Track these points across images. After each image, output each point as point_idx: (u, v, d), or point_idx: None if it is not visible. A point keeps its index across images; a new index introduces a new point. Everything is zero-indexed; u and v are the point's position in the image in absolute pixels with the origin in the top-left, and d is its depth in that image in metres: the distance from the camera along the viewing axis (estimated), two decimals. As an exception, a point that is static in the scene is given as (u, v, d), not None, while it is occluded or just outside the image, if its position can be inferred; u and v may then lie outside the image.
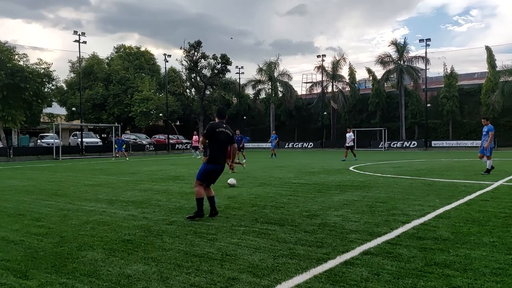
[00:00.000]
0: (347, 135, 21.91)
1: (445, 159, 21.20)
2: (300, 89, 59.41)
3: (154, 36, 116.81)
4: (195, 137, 28.74)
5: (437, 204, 7.15)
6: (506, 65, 39.73)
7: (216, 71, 51.20)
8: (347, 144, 21.71)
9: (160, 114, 47.86)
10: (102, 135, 54.13)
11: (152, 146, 41.49)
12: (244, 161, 18.33)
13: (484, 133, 12.81)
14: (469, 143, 38.70)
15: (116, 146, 28.47)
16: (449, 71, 43.77)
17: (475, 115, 43.19)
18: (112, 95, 48.53)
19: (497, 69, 40.65)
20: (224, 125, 6.43)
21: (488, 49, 41.62)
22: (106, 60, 53.61)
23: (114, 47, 55.97)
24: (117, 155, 28.73)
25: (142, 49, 55.29)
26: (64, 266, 4.09)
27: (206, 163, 6.40)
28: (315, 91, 51.22)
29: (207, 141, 6.40)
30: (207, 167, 6.35)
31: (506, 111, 39.42)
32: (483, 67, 44.64)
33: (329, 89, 50.04)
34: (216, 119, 6.55)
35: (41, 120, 44.02)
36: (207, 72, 51.75)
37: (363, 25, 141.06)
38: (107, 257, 4.34)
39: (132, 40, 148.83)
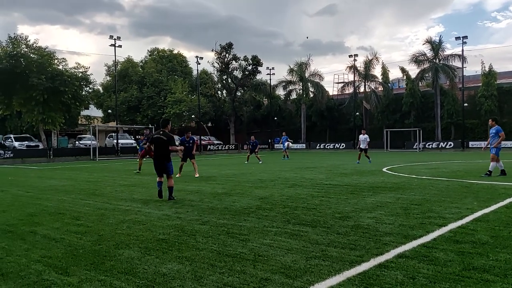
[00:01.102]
0: (362, 137, 20.08)
1: (483, 161, 20.38)
2: (332, 89, 58.89)
3: (186, 39, 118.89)
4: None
5: (475, 207, 6.91)
6: (550, 61, 37.86)
7: (247, 73, 51.51)
8: (361, 147, 19.93)
9: (192, 116, 48.63)
10: (137, 137, 55.55)
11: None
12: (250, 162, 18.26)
13: (492, 134, 12.17)
14: (508, 143, 37.05)
15: (138, 147, 28.29)
16: (487, 69, 42.11)
17: (515, 114, 41.35)
18: (146, 97, 49.72)
19: (540, 66, 38.77)
20: (161, 132, 8.61)
21: (530, 45, 39.77)
22: (140, 63, 55.05)
23: (147, 50, 57.70)
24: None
25: (175, 51, 56.39)
26: (102, 263, 4.24)
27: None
28: (347, 91, 50.53)
29: (152, 146, 8.87)
30: (154, 163, 8.79)
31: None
32: (525, 64, 42.73)
33: (361, 89, 49.23)
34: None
35: (79, 122, 45.72)
36: (238, 73, 52.20)
37: (396, 23, 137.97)
38: (143, 256, 4.46)
39: (164, 43, 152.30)
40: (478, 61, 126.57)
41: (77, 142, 43.35)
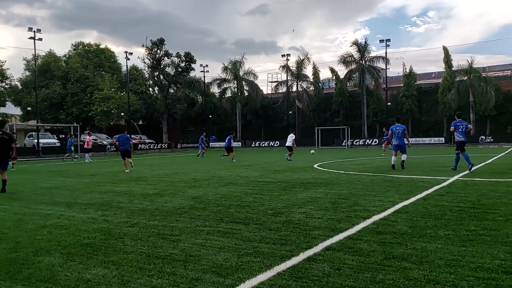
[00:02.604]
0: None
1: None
2: (266, 88, 59.88)
3: (114, 34, 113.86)
4: (88, 138, 25.81)
5: (397, 200, 7.39)
6: (461, 65, 41.71)
7: (180, 70, 50.62)
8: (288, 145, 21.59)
9: (122, 114, 46.74)
10: (60, 136, 52.19)
11: (113, 146, 40.32)
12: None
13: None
14: (427, 140, 40.26)
15: (72, 148, 26.76)
16: (408, 71, 45.39)
17: (432, 113, 45.00)
18: (70, 94, 46.94)
19: (453, 68, 42.51)
20: (1, 132, 9.59)
21: (445, 49, 43.46)
22: (64, 58, 51.67)
23: (72, 44, 54.31)
24: (76, 156, 27.69)
25: (102, 46, 53.70)
26: (19, 272, 3.92)
27: None
28: (280, 90, 51.72)
29: None
30: None
31: (461, 109, 41.16)
32: (440, 67, 46.65)
33: (294, 88, 50.63)
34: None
35: (-6, 120, 41.85)
36: (170, 70, 51.13)
37: (326, 25, 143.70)
38: (65, 262, 4.19)
39: (90, 38, 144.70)
40: (400, 63, 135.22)
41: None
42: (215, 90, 56.07)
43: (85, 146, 25.59)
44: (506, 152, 22.53)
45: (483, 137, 38.22)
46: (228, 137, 22.35)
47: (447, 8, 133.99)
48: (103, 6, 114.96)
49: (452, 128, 12.88)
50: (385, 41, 42.24)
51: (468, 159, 12.08)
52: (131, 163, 16.12)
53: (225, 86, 53.30)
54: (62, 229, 5.75)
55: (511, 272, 3.57)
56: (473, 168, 12.08)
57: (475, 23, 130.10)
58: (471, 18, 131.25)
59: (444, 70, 43.93)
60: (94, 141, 41.54)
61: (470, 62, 40.75)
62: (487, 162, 14.77)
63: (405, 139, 13.43)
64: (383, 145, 25.94)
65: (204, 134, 29.23)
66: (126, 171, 15.34)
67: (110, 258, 4.27)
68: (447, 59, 43.20)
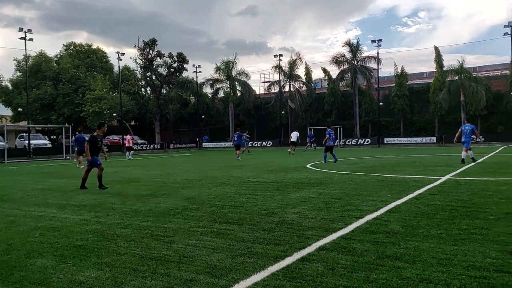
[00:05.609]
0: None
1: (397, 156, 22.08)
2: (258, 89, 59.90)
3: (104, 35, 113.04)
4: (128, 137, 27.35)
5: (389, 199, 7.44)
6: (452, 65, 41.95)
7: (172, 70, 50.37)
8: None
9: (114, 114, 46.45)
10: (52, 137, 51.72)
11: (106, 147, 40.04)
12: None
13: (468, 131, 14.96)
14: (418, 139, 40.53)
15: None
16: (399, 71, 45.66)
17: (424, 113, 45.31)
18: (62, 95, 46.52)
19: (444, 68, 42.84)
20: None
21: (436, 49, 43.80)
22: (55, 58, 51.20)
23: (63, 44, 53.77)
24: (68, 157, 27.48)
25: (94, 46, 53.33)
26: (11, 275, 3.89)
27: None
28: (273, 91, 51.74)
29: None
30: None
31: (452, 109, 41.61)
32: (431, 67, 46.99)
33: (287, 89, 50.68)
34: None
35: (-16, 121, 41.43)
36: (163, 70, 50.82)
37: (317, 25, 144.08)
38: (58, 264, 4.17)
39: (80, 38, 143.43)
40: (391, 63, 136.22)
41: (-18, 144, 39.29)
42: (207, 90, 55.95)
43: (127, 145, 27.12)
44: (497, 151, 22.77)
45: (474, 136, 38.48)
46: (237, 134, 23.19)
47: (438, 8, 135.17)
48: (92, 7, 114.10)
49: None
50: (377, 41, 42.45)
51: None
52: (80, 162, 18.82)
53: (217, 86, 53.18)
54: (55, 231, 5.71)
55: (502, 270, 3.62)
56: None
57: (465, 23, 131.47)
58: (461, 18, 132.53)
59: (435, 70, 44.25)
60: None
61: (460, 62, 41.05)
62: (478, 161, 14.91)
63: (474, 136, 15.13)
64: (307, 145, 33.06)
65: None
66: (82, 166, 17.31)
67: (103, 260, 4.25)
68: (438, 59, 43.52)
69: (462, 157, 14.80)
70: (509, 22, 38.34)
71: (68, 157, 27.70)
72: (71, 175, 15.02)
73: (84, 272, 3.90)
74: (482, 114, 40.42)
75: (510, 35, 37.91)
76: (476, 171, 12.05)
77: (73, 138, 27.32)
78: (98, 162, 10.57)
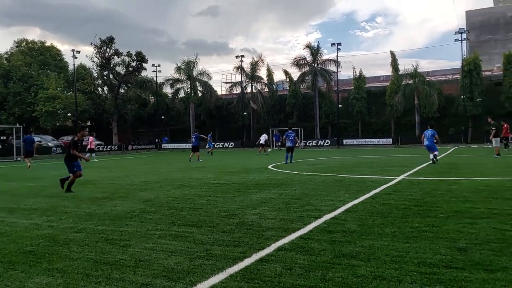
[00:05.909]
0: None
1: (355, 156, 22.70)
2: (220, 89, 59.50)
3: (58, 31, 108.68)
4: (91, 138, 26.27)
5: (347, 199, 7.62)
6: (407, 69, 43.70)
7: (131, 69, 49.16)
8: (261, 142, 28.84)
9: (69, 114, 44.72)
10: (1, 137, 48.97)
11: (59, 148, 38.34)
12: None
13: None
14: (376, 141, 41.84)
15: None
16: (358, 74, 47.00)
17: (381, 115, 46.85)
18: (13, 94, 44.24)
19: (400, 72, 44.53)
20: None
21: (392, 54, 45.45)
22: (5, 55, 48.60)
23: (14, 41, 50.85)
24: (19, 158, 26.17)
25: (47, 44, 51.04)
26: (-49, 285, 3.64)
27: None
28: (235, 91, 51.71)
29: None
30: None
31: (407, 112, 43.28)
32: (388, 71, 48.62)
33: (249, 90, 50.83)
34: None
35: None
36: (121, 69, 49.48)
37: (279, 28, 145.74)
38: (5, 271, 3.95)
39: (33, 35, 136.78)
40: (350, 66, 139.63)
41: None
42: (167, 90, 55.01)
43: (89, 147, 25.85)
44: (448, 152, 23.90)
45: (435, 140, 40.22)
46: (195, 135, 23.04)
47: (394, 14, 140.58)
48: (46, 2, 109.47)
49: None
50: (336, 44, 43.47)
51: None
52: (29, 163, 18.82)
53: (178, 86, 52.40)
54: (3, 236, 5.41)
55: (450, 266, 3.79)
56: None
57: (420, 29, 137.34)
58: (416, 24, 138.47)
59: (392, 74, 45.89)
60: (38, 143, 39.41)
61: (415, 67, 42.85)
62: (430, 162, 15.59)
63: (435, 140, 15.87)
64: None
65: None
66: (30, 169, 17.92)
67: (54, 266, 4.08)
68: (394, 63, 45.18)
69: (431, 158, 15.62)
70: (459, 29, 40.54)
71: (19, 158, 26.39)
72: (22, 178, 14.31)
73: (34, 279, 3.71)
74: (435, 117, 42.30)
75: (460, 41, 39.98)
76: (428, 172, 12.59)
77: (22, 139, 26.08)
78: (75, 169, 9.84)
